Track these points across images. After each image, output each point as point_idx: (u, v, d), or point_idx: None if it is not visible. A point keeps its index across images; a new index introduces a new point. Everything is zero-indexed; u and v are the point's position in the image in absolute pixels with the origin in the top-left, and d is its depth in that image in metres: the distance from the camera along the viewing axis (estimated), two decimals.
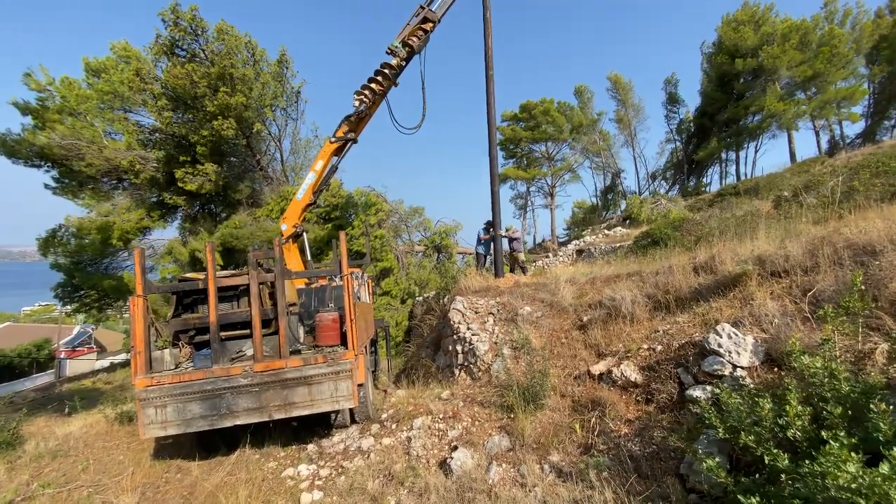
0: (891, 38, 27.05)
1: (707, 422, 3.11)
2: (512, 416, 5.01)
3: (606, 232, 27.05)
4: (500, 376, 6.31)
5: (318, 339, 5.91)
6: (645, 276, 7.06)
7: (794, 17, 29.02)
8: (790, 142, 31.98)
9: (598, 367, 5.10)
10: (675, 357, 4.52)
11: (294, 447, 6.29)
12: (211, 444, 6.41)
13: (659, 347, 4.81)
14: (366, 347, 7.78)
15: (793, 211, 7.98)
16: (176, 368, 5.73)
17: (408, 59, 11.07)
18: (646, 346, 4.98)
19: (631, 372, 4.72)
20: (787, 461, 2.35)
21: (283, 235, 10.23)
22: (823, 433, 2.36)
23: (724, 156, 37.20)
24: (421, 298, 14.27)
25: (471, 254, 19.08)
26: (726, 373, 3.91)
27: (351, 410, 6.55)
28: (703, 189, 37.72)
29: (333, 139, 10.91)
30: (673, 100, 39.49)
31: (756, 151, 35.01)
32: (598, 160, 41.96)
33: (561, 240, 38.07)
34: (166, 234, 17.82)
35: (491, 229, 11.20)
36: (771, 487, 2.41)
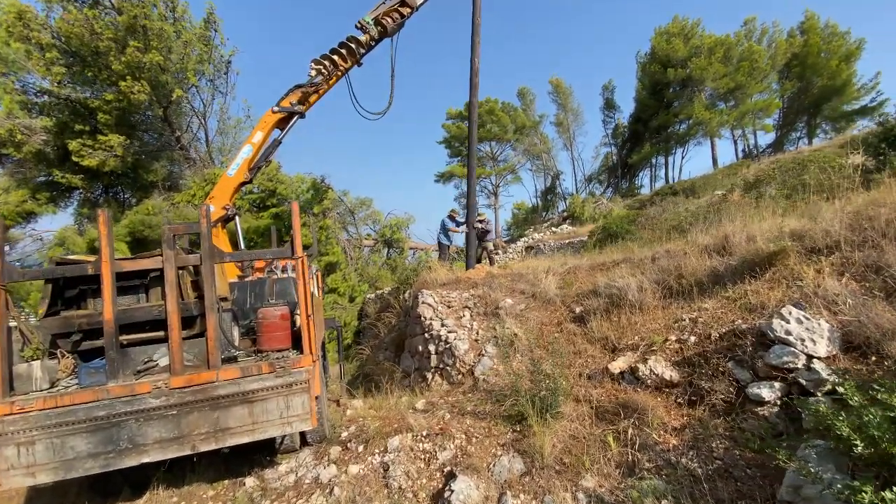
0: (801, 57, 29.98)
1: (836, 431, 2.31)
2: (519, 428, 4.02)
3: (554, 230, 27.36)
4: (490, 379, 5.32)
5: (262, 342, 4.53)
6: (637, 262, 6.45)
7: (717, 33, 31.30)
8: (713, 148, 34.47)
9: (619, 365, 4.27)
10: (719, 349, 3.79)
11: (227, 482, 4.85)
12: (109, 484, 4.80)
13: (692, 339, 4.08)
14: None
15: (766, 198, 7.89)
16: (52, 388, 4.08)
17: (377, 40, 10.08)
18: (673, 338, 4.23)
19: (663, 369, 3.93)
20: None
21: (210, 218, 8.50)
22: None
23: (654, 160, 39.39)
24: (374, 295, 12.92)
25: (423, 249, 18.01)
26: (800, 365, 3.22)
27: (302, 431, 5.24)
28: (636, 191, 39.67)
29: (277, 108, 9.38)
30: (610, 105, 41.21)
31: (683, 157, 37.42)
32: (538, 162, 42.85)
33: (504, 239, 38.21)
34: (59, 220, 14.87)
35: (457, 218, 10.33)
36: None
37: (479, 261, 10.07)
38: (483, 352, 5.86)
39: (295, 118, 9.69)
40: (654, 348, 4.23)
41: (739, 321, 3.94)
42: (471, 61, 9.91)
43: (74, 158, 11.14)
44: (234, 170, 8.91)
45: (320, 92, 10.00)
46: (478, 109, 10.64)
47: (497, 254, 24.95)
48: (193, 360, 4.26)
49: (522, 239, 27.70)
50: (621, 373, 4.25)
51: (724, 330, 3.92)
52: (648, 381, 3.97)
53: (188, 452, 4.00)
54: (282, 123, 9.60)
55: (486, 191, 42.88)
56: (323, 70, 9.78)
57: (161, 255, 4.15)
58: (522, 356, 5.39)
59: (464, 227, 9.82)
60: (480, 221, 10.38)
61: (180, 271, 4.28)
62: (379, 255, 16.52)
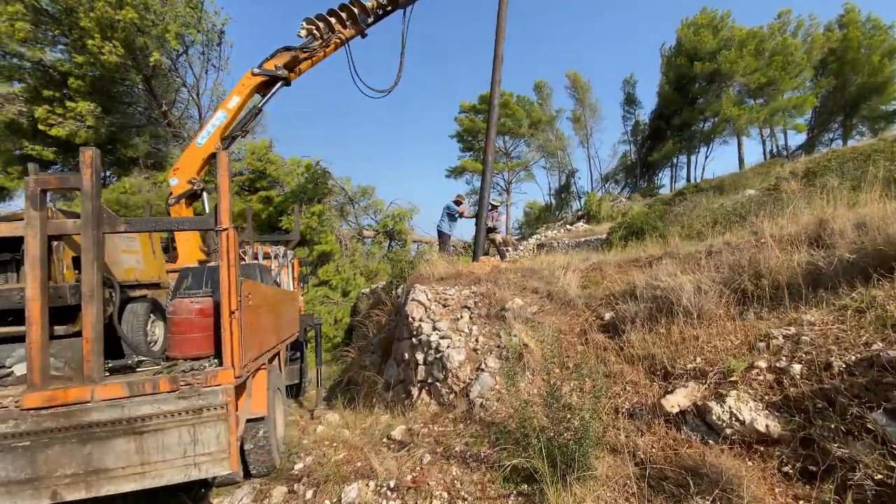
0: (838, 52, 27.93)
1: None
2: (528, 491, 2.70)
3: (568, 227, 26.04)
4: (489, 404, 4.01)
5: (171, 346, 3.28)
6: (683, 258, 5.07)
7: (748, 26, 29.40)
8: (740, 147, 32.54)
9: (676, 400, 2.93)
10: (850, 388, 2.43)
11: None
12: None
13: (796, 368, 2.72)
14: (279, 356, 5.20)
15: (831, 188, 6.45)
16: None
17: (387, 10, 8.87)
18: (763, 365, 2.87)
19: (753, 413, 2.58)
20: None
21: (172, 193, 7.34)
22: None
23: (675, 159, 37.60)
24: (367, 290, 11.69)
25: (427, 242, 16.72)
26: None
27: (244, 460, 4.02)
28: (655, 191, 37.90)
29: (258, 70, 8.18)
30: (630, 100, 39.58)
31: (706, 157, 35.61)
32: (553, 160, 41.44)
33: (516, 237, 36.82)
34: None
35: (462, 203, 9.07)
36: None
37: (486, 254, 8.76)
38: (483, 366, 4.55)
39: (279, 84, 8.48)
40: (733, 379, 2.87)
41: (880, 343, 2.57)
42: (494, 55, 8.73)
43: (41, 127, 10.09)
44: (204, 138, 7.72)
45: (313, 59, 8.78)
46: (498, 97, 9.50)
47: (508, 250, 23.62)
48: (65, 370, 3.03)
49: (534, 236, 26.32)
50: (681, 412, 2.90)
51: (853, 358, 2.55)
52: (728, 431, 2.62)
53: (48, 502, 2.77)
54: (263, 89, 8.40)
55: (499, 187, 41.45)
56: (315, 32, 8.57)
57: (23, 218, 2.92)
58: (534, 375, 4.08)
59: (473, 209, 8.54)
60: (494, 207, 9.12)
61: (54, 242, 3.05)
62: (379, 248, 15.28)
